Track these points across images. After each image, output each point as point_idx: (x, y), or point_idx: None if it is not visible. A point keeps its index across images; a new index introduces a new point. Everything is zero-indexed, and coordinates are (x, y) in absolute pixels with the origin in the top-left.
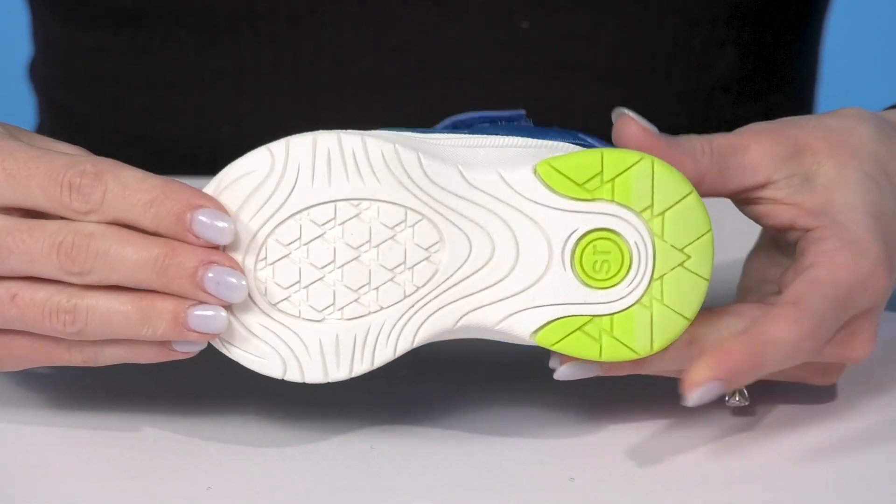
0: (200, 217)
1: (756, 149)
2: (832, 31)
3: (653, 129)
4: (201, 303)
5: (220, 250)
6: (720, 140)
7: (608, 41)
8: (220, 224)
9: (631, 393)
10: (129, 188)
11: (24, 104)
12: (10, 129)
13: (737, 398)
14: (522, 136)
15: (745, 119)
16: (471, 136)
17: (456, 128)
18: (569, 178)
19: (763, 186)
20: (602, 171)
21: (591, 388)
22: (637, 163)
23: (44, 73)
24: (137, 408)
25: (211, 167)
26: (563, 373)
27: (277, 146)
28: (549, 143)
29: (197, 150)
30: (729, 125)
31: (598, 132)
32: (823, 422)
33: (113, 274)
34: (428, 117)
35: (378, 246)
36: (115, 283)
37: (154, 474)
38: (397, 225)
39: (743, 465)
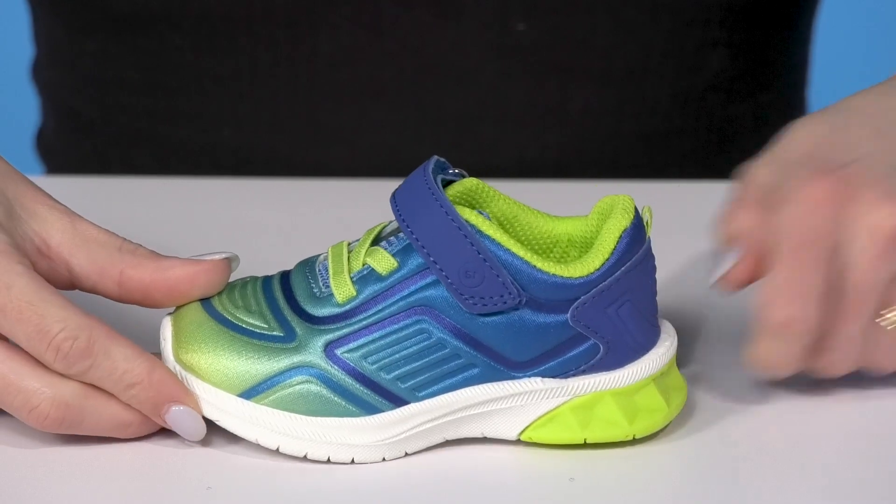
0: (176, 410)
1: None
2: (822, 31)
3: (734, 257)
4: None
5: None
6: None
7: (602, 42)
8: (194, 425)
9: None
10: (117, 369)
11: (26, 103)
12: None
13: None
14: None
15: (736, 119)
16: (461, 407)
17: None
18: (550, 445)
19: None
20: (585, 441)
21: None
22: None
23: (48, 76)
24: None
25: (214, 169)
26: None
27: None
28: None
29: (200, 153)
30: (721, 125)
31: (592, 132)
32: (828, 427)
33: (83, 432)
34: (425, 120)
35: None
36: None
37: (154, 474)
38: None
39: (743, 465)
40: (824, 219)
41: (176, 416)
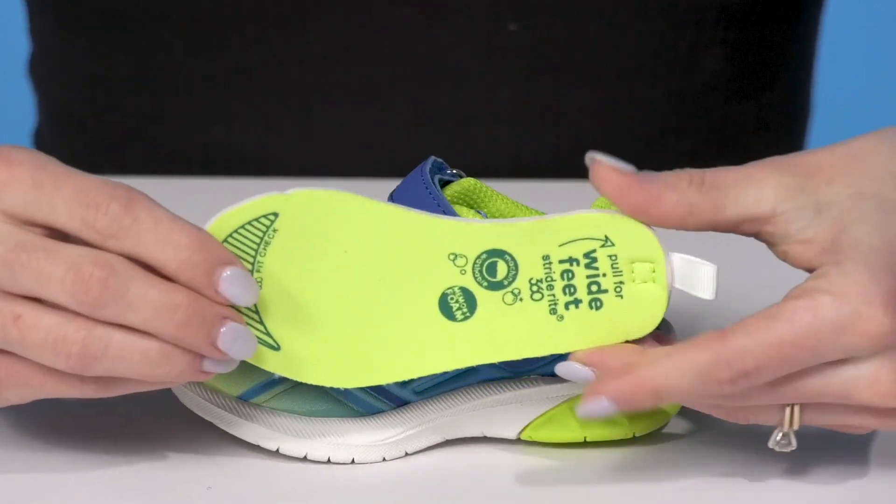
0: (227, 273)
1: (760, 179)
2: (829, 33)
3: (627, 167)
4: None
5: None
6: (717, 172)
7: (594, 43)
8: (247, 282)
9: None
10: (162, 226)
11: (24, 101)
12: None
13: (780, 439)
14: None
15: (736, 119)
16: (460, 400)
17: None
18: (551, 444)
19: (768, 220)
20: (585, 440)
21: None
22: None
23: (42, 72)
24: (138, 408)
25: (204, 169)
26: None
27: None
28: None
29: (190, 152)
30: (720, 125)
31: (586, 134)
32: (822, 429)
33: (129, 314)
34: (417, 119)
35: None
36: (126, 323)
37: (154, 474)
38: None
39: (743, 464)
40: (856, 343)
41: (230, 279)
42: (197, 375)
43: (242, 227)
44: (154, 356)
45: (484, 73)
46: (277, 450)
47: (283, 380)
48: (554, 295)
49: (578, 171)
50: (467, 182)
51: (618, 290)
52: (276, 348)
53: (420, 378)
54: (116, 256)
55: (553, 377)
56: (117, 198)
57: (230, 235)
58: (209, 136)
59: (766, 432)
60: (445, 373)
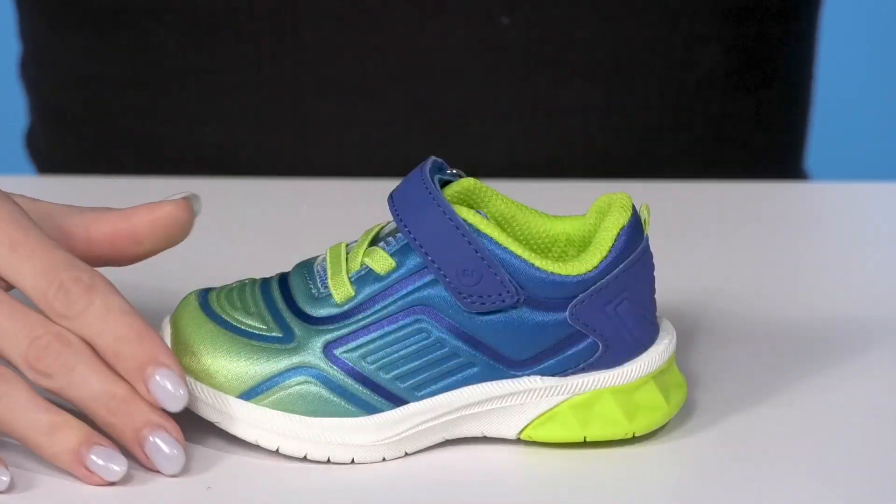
0: (158, 376)
1: None
2: (828, 28)
3: None
4: (100, 445)
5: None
6: None
7: (588, 37)
8: (175, 391)
9: None
10: (111, 315)
11: (15, 102)
12: (18, 202)
13: None
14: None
15: (734, 114)
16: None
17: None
18: (551, 444)
19: None
20: (585, 440)
21: None
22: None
23: (34, 73)
24: None
25: (197, 167)
26: None
27: None
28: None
29: (184, 150)
30: (717, 120)
31: (582, 129)
32: (828, 427)
33: (69, 389)
34: (412, 116)
35: None
36: (63, 397)
37: (154, 474)
38: None
39: (743, 465)
40: None
41: (157, 383)
42: (77, 467)
43: None
44: (43, 425)
45: (479, 69)
46: (277, 450)
47: (283, 380)
48: None
49: (573, 168)
50: (467, 182)
51: None
52: None
53: (419, 376)
54: (75, 336)
55: (553, 377)
56: (80, 281)
57: None
58: (202, 135)
59: (769, 432)
60: (442, 369)
